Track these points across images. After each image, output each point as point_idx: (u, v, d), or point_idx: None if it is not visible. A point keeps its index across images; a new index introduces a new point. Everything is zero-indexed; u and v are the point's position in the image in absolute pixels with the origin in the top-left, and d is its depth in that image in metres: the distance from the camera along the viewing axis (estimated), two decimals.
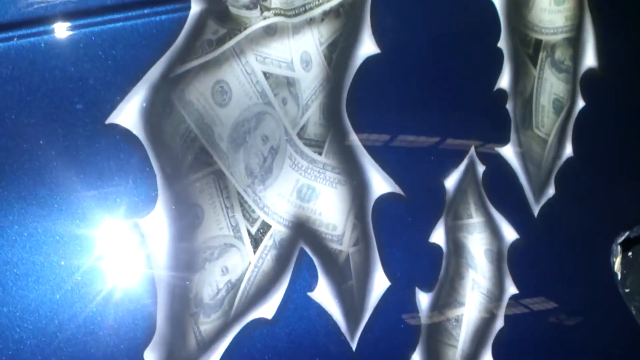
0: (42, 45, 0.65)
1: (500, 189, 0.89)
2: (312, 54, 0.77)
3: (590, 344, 0.91)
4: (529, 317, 0.88)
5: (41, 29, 0.65)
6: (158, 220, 0.72)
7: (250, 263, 0.75)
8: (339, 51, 0.78)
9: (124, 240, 0.71)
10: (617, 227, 0.96)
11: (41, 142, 0.68)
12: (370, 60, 0.79)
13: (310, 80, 0.77)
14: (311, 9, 0.75)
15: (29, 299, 0.68)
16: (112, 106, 0.69)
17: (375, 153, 0.82)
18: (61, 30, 0.66)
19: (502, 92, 0.88)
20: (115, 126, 0.70)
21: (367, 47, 0.79)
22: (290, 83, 0.77)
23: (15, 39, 0.64)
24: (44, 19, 0.65)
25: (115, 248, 0.71)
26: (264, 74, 0.75)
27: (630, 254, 1.06)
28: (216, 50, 0.72)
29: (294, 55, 0.76)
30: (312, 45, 0.77)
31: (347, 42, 0.78)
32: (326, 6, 0.76)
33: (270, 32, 0.74)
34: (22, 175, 0.68)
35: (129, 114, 0.70)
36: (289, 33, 0.75)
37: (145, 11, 0.68)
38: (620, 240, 0.98)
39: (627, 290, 1.08)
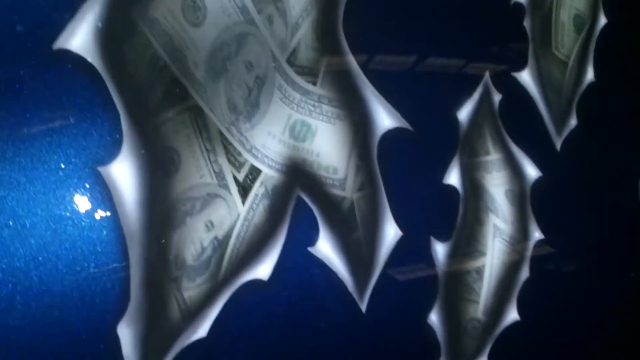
0: None
1: (519, 120, 0.82)
2: None
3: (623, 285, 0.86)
4: (557, 265, 0.82)
5: None
6: (125, 167, 0.62)
7: (239, 216, 0.67)
8: None
9: (84, 193, 0.62)
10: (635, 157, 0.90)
11: None
12: None
13: None
14: None
15: None
16: (60, 27, 0.59)
17: (378, 81, 0.74)
18: None
19: (519, 5, 0.80)
20: (65, 52, 0.59)
21: None
22: None
23: None
24: None
25: (75, 203, 0.61)
26: None
27: None
28: None
29: None
30: None
31: None
32: None
33: None
34: None
35: (81, 36, 0.59)
36: None
37: None
38: None
39: None
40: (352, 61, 0.72)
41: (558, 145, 0.85)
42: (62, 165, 0.61)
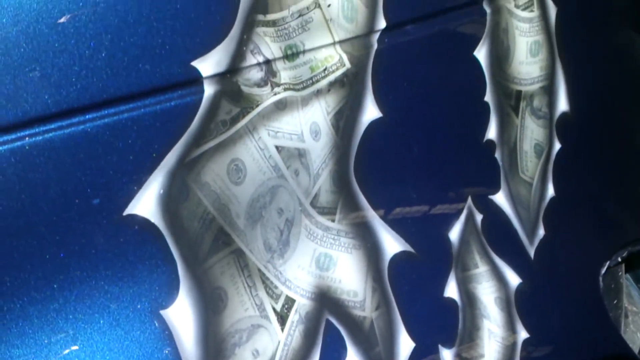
0: (57, 141, 0.61)
1: (498, 235, 0.91)
2: (321, 123, 0.76)
3: None
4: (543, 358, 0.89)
5: (55, 125, 0.60)
6: (182, 309, 0.68)
7: (279, 342, 0.72)
8: (345, 119, 0.77)
9: (150, 335, 0.67)
10: (603, 257, 1.00)
11: (58, 243, 0.63)
12: (373, 124, 0.80)
13: (320, 150, 0.76)
14: (317, 81, 0.75)
15: None
16: (130, 197, 0.66)
17: (384, 213, 0.82)
18: (75, 124, 0.62)
19: (491, 142, 0.91)
20: (133, 216, 0.66)
21: (370, 112, 0.79)
22: (301, 154, 0.75)
23: (27, 138, 0.60)
24: (58, 114, 0.60)
25: (141, 343, 0.66)
26: (277, 147, 0.74)
27: (601, 279, 1.11)
28: (230, 129, 0.70)
29: (304, 127, 0.75)
30: (320, 116, 0.76)
31: (352, 109, 0.78)
32: (331, 77, 0.75)
33: (281, 106, 0.73)
34: (41, 278, 0.62)
35: (146, 202, 0.66)
36: (299, 106, 0.74)
37: (160, 98, 0.65)
38: (603, 271, 1.02)
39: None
40: (363, 200, 0.81)
41: (532, 253, 0.94)
42: (130, 314, 0.67)
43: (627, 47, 1.07)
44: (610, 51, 1.05)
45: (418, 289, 0.82)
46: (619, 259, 1.08)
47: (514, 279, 0.90)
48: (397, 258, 0.81)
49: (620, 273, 1.25)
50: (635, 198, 1.08)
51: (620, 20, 1.07)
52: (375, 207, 0.81)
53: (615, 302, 1.23)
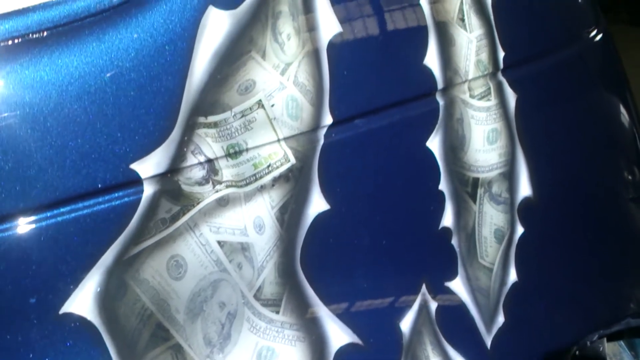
0: None
1: (454, 323, 0.93)
2: (265, 217, 0.79)
3: None
4: None
5: None
6: None
7: None
8: (290, 212, 0.81)
9: None
10: (567, 345, 1.01)
11: None
12: (320, 217, 0.83)
13: (264, 243, 0.79)
14: (261, 177, 0.78)
15: None
16: (67, 295, 0.69)
17: (332, 304, 0.84)
18: (13, 228, 0.66)
19: (446, 229, 0.93)
20: (70, 315, 0.69)
21: (317, 204, 0.82)
22: (244, 248, 0.78)
23: None
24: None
25: None
26: (219, 242, 0.77)
27: (577, 352, 1.12)
28: (170, 227, 0.73)
29: (247, 222, 0.78)
30: (264, 210, 0.79)
31: (298, 203, 0.81)
32: (275, 173, 0.79)
33: (223, 203, 0.76)
34: None
35: (83, 301, 0.69)
36: (241, 202, 0.77)
37: (98, 200, 0.69)
38: (570, 357, 1.03)
39: None
40: (310, 291, 0.83)
41: (488, 343, 0.95)
42: None
43: (591, 130, 1.10)
44: (574, 133, 1.07)
45: None
46: (589, 343, 1.08)
47: None
48: (343, 350, 0.83)
49: (601, 348, 1.25)
50: (601, 281, 1.09)
51: (584, 101, 1.09)
52: (322, 298, 0.83)
53: None
